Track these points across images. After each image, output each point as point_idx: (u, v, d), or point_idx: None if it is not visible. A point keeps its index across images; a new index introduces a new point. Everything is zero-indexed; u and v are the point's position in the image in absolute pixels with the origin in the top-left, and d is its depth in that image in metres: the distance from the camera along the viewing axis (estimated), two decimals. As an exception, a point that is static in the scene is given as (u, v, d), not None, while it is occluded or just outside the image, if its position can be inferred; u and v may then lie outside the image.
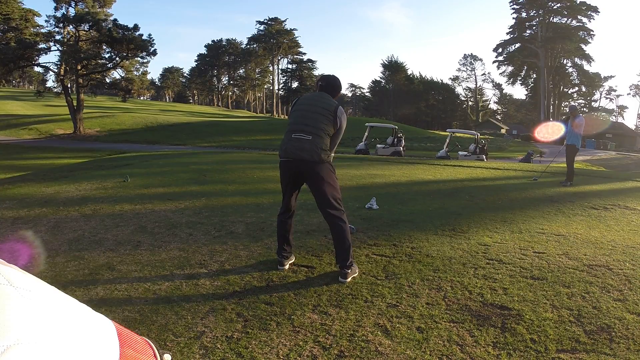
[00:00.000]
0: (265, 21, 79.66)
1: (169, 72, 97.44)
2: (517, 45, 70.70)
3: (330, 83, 3.40)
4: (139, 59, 33.29)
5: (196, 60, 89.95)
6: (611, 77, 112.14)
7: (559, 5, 64.99)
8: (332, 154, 3.36)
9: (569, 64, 71.88)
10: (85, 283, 3.05)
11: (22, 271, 0.42)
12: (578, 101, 75.62)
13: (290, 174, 3.25)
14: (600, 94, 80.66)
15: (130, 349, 0.45)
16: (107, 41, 30.49)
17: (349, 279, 3.08)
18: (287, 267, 3.33)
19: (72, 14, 31.51)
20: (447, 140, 22.12)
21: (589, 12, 64.11)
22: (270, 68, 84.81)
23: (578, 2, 63.57)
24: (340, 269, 3.12)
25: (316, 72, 77.32)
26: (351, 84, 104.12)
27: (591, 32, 65.32)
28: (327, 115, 3.18)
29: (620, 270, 3.31)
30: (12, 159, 21.02)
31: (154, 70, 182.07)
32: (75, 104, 31.90)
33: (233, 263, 3.43)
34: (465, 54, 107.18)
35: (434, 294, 2.88)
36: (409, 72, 79.03)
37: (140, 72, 35.56)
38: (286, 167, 3.24)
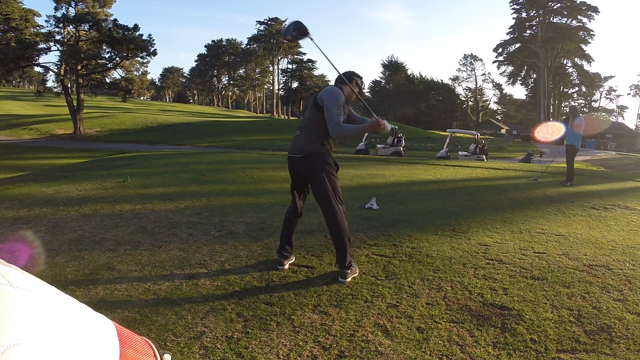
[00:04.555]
0: (265, 21, 79.60)
1: (169, 72, 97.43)
2: (517, 45, 70.64)
3: (340, 75, 3.27)
4: (139, 59, 33.32)
5: (196, 60, 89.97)
6: (611, 77, 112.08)
7: (559, 5, 64.94)
8: (331, 142, 3.17)
9: (569, 64, 71.85)
10: (85, 283, 3.05)
11: (22, 271, 0.42)
12: (578, 101, 75.60)
13: (291, 171, 3.30)
14: (600, 94, 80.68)
15: (130, 349, 0.45)
16: (107, 41, 30.50)
17: (349, 279, 3.08)
18: (287, 267, 3.33)
19: (72, 14, 31.51)
20: (447, 141, 22.12)
21: (589, 12, 64.06)
22: (270, 68, 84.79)
23: (578, 2, 63.52)
24: (340, 269, 3.12)
25: (316, 72, 77.26)
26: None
27: (591, 32, 65.29)
28: (313, 104, 3.16)
29: (620, 270, 3.31)
30: (12, 159, 21.02)
31: (154, 70, 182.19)
32: (75, 104, 31.91)
33: (233, 263, 3.43)
34: (465, 54, 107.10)
35: (434, 294, 2.88)
36: (409, 72, 78.91)
37: (140, 72, 35.59)
38: (288, 163, 3.30)
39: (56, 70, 31.98)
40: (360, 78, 3.36)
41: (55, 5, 31.53)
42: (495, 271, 3.26)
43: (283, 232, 3.37)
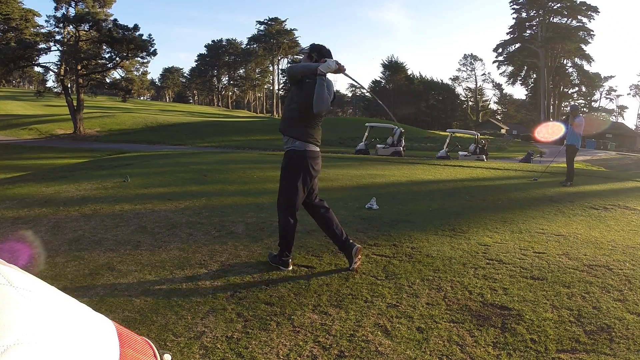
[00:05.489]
0: (266, 21, 79.67)
1: (169, 72, 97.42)
2: (517, 45, 70.65)
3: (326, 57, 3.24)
4: (139, 59, 33.31)
5: (196, 60, 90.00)
6: (611, 77, 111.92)
7: (559, 5, 64.96)
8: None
9: (569, 64, 71.89)
10: (85, 283, 3.05)
11: (22, 271, 0.42)
12: (578, 101, 75.63)
13: (315, 167, 3.28)
14: (600, 94, 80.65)
15: (130, 349, 0.45)
16: (107, 41, 30.50)
17: (359, 257, 3.21)
18: (290, 267, 3.33)
19: (72, 14, 31.51)
20: (447, 141, 22.13)
21: (589, 12, 64.08)
22: (270, 68, 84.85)
23: (578, 2, 63.54)
24: (347, 247, 3.22)
25: (316, 72, 77.13)
26: (351, 84, 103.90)
27: (591, 32, 65.31)
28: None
29: (620, 270, 3.31)
30: (12, 159, 21.01)
31: (154, 70, 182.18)
32: (75, 104, 31.91)
33: (233, 263, 3.43)
34: (465, 54, 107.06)
35: (434, 294, 2.88)
36: (409, 72, 78.93)
37: (140, 72, 35.59)
38: (317, 157, 3.28)
39: (56, 70, 31.99)
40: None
41: (55, 5, 31.56)
42: (495, 271, 3.26)
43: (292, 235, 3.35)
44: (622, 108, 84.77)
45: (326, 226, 3.31)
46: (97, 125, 35.59)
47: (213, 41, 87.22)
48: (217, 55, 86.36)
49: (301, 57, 3.35)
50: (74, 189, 6.63)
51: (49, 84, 48.67)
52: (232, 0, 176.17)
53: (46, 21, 54.60)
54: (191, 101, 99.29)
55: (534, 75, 72.97)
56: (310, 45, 3.33)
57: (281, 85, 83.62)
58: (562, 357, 2.16)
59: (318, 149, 3.23)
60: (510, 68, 74.22)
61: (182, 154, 13.59)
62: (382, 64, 79.09)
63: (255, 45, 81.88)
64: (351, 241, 3.29)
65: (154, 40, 31.61)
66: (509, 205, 5.95)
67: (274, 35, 78.53)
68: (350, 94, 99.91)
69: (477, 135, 22.10)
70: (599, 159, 31.17)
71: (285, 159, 3.22)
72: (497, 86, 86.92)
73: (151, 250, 3.74)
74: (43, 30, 31.40)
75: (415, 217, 4.97)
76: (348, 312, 2.62)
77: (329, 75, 3.17)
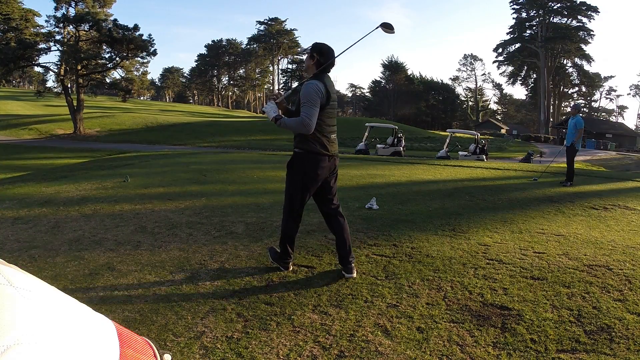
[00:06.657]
0: (266, 21, 79.79)
1: (169, 72, 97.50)
2: (517, 45, 70.69)
3: (327, 57, 3.19)
4: (139, 59, 33.38)
5: (196, 60, 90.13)
6: (611, 77, 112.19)
7: (559, 5, 64.98)
8: None
9: (569, 64, 71.92)
10: (85, 283, 3.05)
11: (22, 271, 0.42)
12: (577, 101, 75.68)
13: (326, 173, 3.18)
14: (600, 94, 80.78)
15: (130, 349, 0.45)
16: (107, 41, 30.53)
17: (351, 274, 3.13)
18: (290, 269, 3.33)
19: (72, 14, 31.54)
20: (447, 141, 22.13)
21: (589, 12, 64.10)
22: (270, 68, 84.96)
23: (578, 2, 63.57)
24: (346, 265, 3.15)
25: (316, 72, 77.33)
26: (351, 84, 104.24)
27: (591, 32, 65.33)
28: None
29: (620, 270, 3.31)
30: (12, 159, 21.02)
31: (154, 70, 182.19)
32: (75, 104, 31.93)
33: (233, 263, 3.43)
34: (465, 54, 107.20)
35: (434, 294, 2.88)
36: (409, 72, 78.97)
37: (140, 72, 35.68)
38: (327, 164, 3.14)
39: (56, 70, 32.02)
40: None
41: (55, 5, 31.58)
42: (495, 271, 3.26)
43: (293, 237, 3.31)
44: (622, 108, 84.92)
45: (338, 233, 3.23)
46: (97, 125, 35.61)
47: (213, 41, 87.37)
48: (217, 55, 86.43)
49: (304, 58, 3.36)
50: (74, 189, 6.63)
51: (49, 84, 48.80)
52: (232, 0, 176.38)
53: (46, 21, 54.79)
54: (191, 101, 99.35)
55: (534, 75, 72.97)
56: (312, 45, 3.30)
57: (281, 85, 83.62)
58: (562, 357, 2.16)
59: (323, 151, 3.11)
60: (510, 68, 74.26)
61: (182, 154, 13.59)
62: (382, 64, 79.24)
63: (255, 45, 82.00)
64: (352, 265, 3.17)
65: (154, 40, 31.70)
66: (509, 205, 5.95)
67: (274, 35, 78.61)
68: (350, 94, 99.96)
69: (477, 135, 22.10)
70: (599, 159, 31.16)
71: (290, 160, 3.23)
72: (497, 86, 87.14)
73: (151, 250, 3.74)
74: (43, 30, 31.44)
75: (415, 217, 4.97)
76: (348, 312, 2.62)
77: (332, 72, 3.19)
